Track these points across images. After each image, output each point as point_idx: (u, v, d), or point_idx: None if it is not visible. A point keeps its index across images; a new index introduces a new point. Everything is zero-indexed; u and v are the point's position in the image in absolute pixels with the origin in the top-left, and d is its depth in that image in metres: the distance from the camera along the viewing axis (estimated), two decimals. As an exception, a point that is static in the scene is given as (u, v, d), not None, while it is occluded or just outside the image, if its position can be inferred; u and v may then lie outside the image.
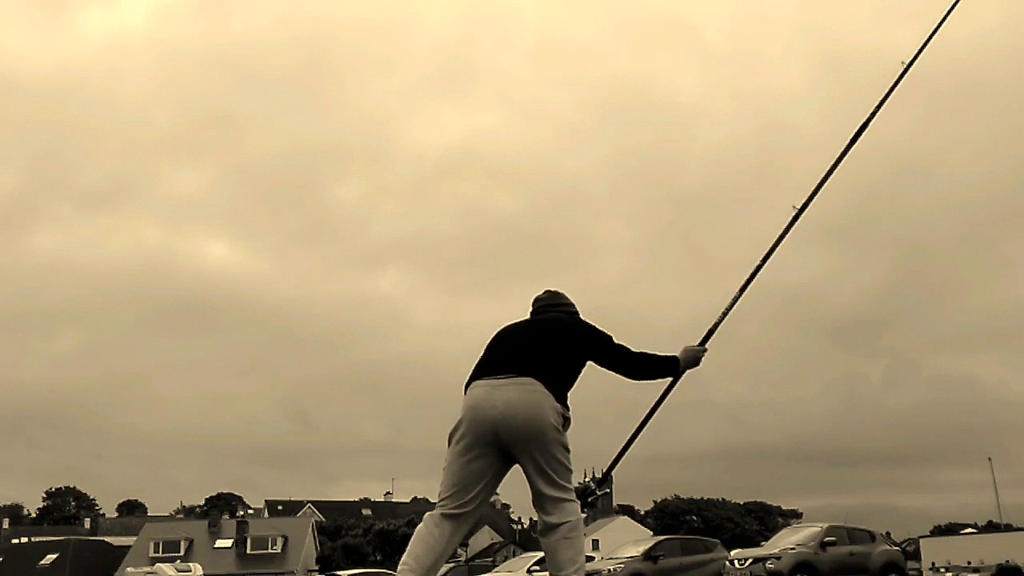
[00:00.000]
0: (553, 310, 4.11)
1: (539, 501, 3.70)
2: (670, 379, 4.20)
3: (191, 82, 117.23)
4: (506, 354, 3.81)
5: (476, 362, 3.90)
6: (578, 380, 4.00)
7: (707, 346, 4.24)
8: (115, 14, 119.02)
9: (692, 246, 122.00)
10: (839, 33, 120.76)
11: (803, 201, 4.42)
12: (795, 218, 4.41)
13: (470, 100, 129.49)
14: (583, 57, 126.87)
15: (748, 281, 4.41)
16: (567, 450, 3.72)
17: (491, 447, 3.66)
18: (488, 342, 3.98)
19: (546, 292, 4.22)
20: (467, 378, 3.85)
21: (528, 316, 4.18)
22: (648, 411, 4.30)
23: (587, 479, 4.30)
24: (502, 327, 4.05)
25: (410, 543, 3.68)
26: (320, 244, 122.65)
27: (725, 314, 4.32)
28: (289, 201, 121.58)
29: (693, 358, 4.19)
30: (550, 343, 3.83)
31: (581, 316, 4.16)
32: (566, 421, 3.72)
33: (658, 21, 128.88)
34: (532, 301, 4.21)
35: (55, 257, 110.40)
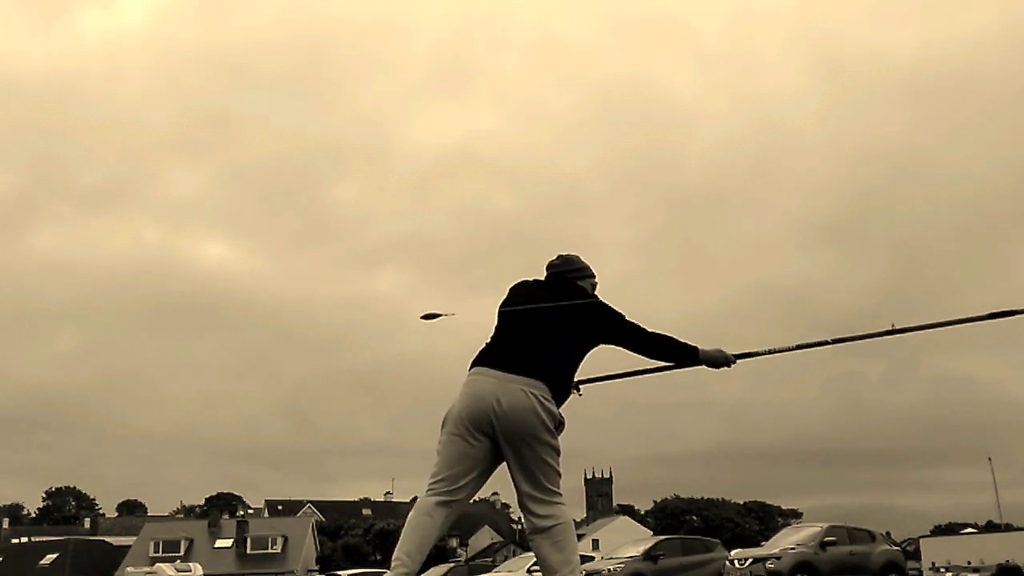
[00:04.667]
0: (567, 279, 4.00)
1: (525, 503, 3.70)
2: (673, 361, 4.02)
3: (189, 82, 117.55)
4: (518, 345, 3.76)
5: (489, 340, 3.86)
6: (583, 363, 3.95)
7: (737, 363, 4.06)
8: (113, 14, 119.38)
9: (690, 246, 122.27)
10: (836, 34, 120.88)
11: (904, 326, 4.15)
12: (887, 333, 4.14)
13: (468, 100, 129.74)
14: (581, 57, 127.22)
15: (809, 344, 4.22)
16: (558, 453, 3.71)
17: (488, 437, 3.67)
18: (501, 317, 3.90)
19: (559, 257, 4.09)
20: (475, 355, 3.80)
21: (543, 278, 4.06)
22: (655, 367, 4.12)
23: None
24: (515, 301, 3.92)
25: (403, 534, 3.65)
26: (319, 244, 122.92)
27: (772, 352, 4.16)
28: (288, 201, 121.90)
29: (719, 359, 4.03)
30: (563, 332, 3.78)
31: (596, 280, 4.08)
32: (561, 425, 3.71)
33: (656, 22, 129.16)
34: (546, 266, 4.09)
35: (55, 257, 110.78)
